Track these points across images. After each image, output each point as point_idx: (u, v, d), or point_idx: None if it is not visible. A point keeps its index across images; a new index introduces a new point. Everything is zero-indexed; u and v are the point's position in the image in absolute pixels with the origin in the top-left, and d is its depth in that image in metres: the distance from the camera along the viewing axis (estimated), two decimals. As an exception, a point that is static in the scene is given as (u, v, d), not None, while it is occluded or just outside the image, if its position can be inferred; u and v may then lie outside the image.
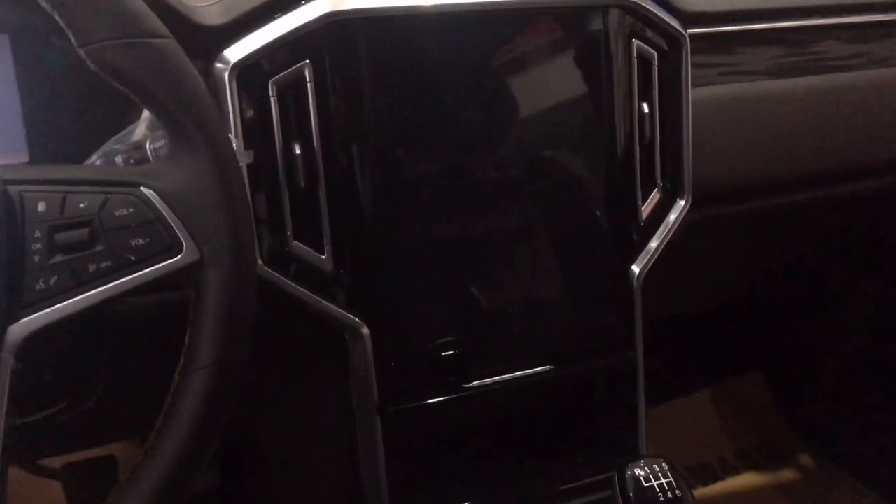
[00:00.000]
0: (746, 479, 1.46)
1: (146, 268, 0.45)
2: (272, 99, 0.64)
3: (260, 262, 0.65)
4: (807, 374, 1.56)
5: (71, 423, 0.75)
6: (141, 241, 0.44)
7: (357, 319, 0.68)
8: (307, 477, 0.91)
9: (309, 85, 0.65)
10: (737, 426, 1.55)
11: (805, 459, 1.49)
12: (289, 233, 0.66)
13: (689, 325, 1.45)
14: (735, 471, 1.47)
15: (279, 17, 0.65)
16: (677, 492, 0.60)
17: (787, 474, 1.47)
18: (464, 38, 0.69)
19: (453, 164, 0.71)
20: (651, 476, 0.61)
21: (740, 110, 0.85)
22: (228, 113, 0.63)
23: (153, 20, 0.47)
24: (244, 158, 0.60)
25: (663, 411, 1.52)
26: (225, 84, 0.63)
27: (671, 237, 0.82)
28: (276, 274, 0.66)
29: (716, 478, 1.45)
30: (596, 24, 0.73)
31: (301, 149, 0.65)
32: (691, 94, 0.80)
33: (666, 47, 0.78)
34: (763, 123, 0.87)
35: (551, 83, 0.74)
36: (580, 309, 0.79)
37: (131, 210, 0.45)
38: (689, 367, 1.59)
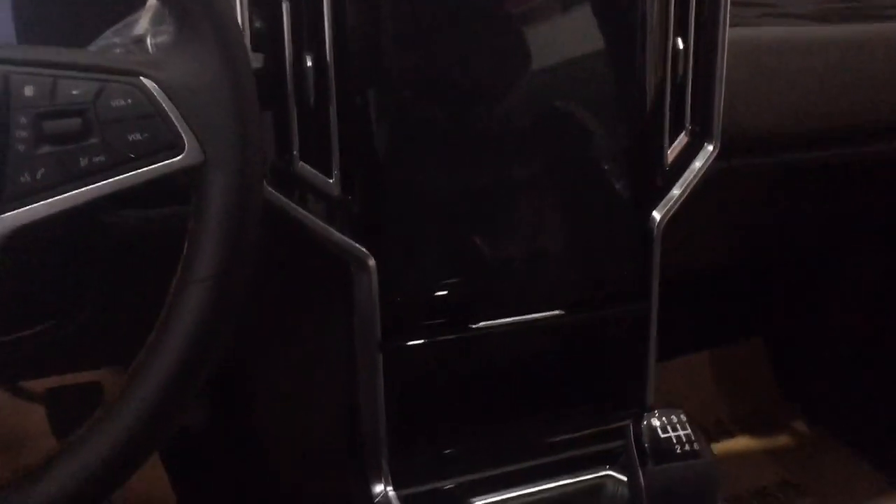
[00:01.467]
0: (740, 443, 1.45)
1: (144, 166, 0.40)
2: (285, 4, 0.60)
3: (266, 181, 0.61)
4: (805, 343, 1.54)
5: (57, 343, 0.71)
6: (139, 136, 0.40)
7: (363, 249, 0.64)
8: (302, 411, 0.88)
9: None
10: (734, 390, 1.53)
11: (800, 427, 1.48)
12: (295, 152, 0.62)
13: (693, 285, 1.42)
14: (729, 434, 1.46)
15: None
16: (695, 444, 0.56)
17: (781, 440, 1.46)
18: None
19: (471, 103, 0.66)
20: (669, 427, 0.58)
21: (777, 55, 0.81)
22: (238, 15, 0.58)
23: None
24: (254, 62, 0.55)
25: (662, 371, 1.50)
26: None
27: (695, 185, 0.78)
28: (281, 196, 0.62)
29: (710, 440, 1.44)
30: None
31: (313, 62, 0.60)
32: (728, 34, 0.76)
33: None
34: (801, 71, 0.82)
35: (583, 17, 0.69)
36: (596, 255, 0.75)
37: (130, 101, 0.40)
38: (691, 327, 1.56)
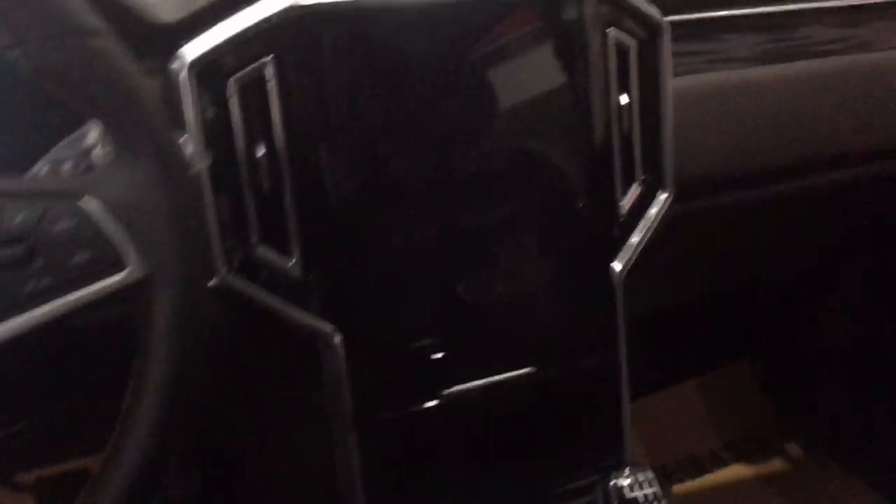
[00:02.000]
0: (735, 471, 1.44)
1: (89, 286, 0.41)
2: (233, 98, 0.61)
3: (225, 269, 0.62)
4: (794, 362, 1.55)
5: (40, 436, 0.72)
6: (84, 255, 0.41)
7: (329, 326, 0.66)
8: (286, 488, 0.88)
9: (272, 82, 0.62)
10: (725, 417, 1.53)
11: (793, 449, 1.48)
12: (254, 238, 0.63)
13: (676, 315, 1.43)
14: (723, 462, 1.46)
15: (239, 11, 0.62)
16: (663, 502, 0.57)
17: (776, 465, 1.46)
18: (435, 31, 0.66)
19: (426, 162, 0.68)
20: (636, 485, 0.59)
21: (723, 99, 0.83)
22: (187, 114, 0.60)
23: (90, 16, 0.44)
24: (200, 162, 0.57)
25: (651, 403, 1.51)
26: (182, 83, 0.59)
27: (653, 232, 0.79)
28: (243, 281, 0.63)
29: (704, 470, 1.44)
30: (570, 13, 0.70)
31: (265, 149, 0.62)
32: (672, 84, 0.78)
33: (644, 35, 0.75)
34: (747, 112, 0.84)
35: (525, 76, 0.71)
36: (561, 308, 0.76)
37: (73, 223, 0.41)
38: (677, 357, 1.57)
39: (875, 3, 0.91)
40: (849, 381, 1.46)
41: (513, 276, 0.74)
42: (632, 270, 0.77)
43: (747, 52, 0.83)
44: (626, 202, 0.77)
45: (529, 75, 0.71)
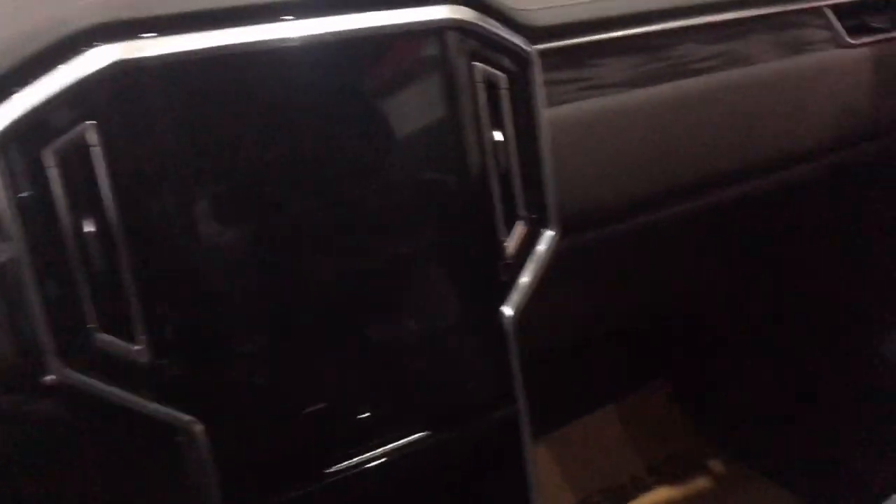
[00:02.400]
0: (659, 495, 1.42)
1: None
2: (52, 170, 0.54)
3: (60, 363, 0.55)
4: (708, 379, 1.54)
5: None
6: None
7: (187, 416, 0.58)
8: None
9: (96, 149, 0.55)
10: (645, 440, 1.51)
11: (716, 465, 1.47)
12: (91, 324, 0.56)
13: (588, 342, 1.40)
14: (647, 487, 1.43)
15: (51, 72, 0.54)
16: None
17: (699, 483, 1.44)
18: (283, 75, 0.60)
19: (281, 216, 0.61)
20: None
21: (603, 126, 0.80)
22: (-3, 193, 0.52)
23: None
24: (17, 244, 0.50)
25: (570, 433, 1.47)
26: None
27: (544, 270, 0.75)
28: (82, 375, 0.56)
29: (628, 497, 1.40)
30: (430, 49, 0.66)
31: (94, 224, 0.55)
32: (548, 115, 0.74)
33: (513, 67, 0.71)
34: (629, 136, 0.81)
35: (388, 119, 0.65)
36: (451, 363, 0.71)
37: None
38: (594, 382, 1.54)
39: (748, 17, 0.90)
40: (762, 393, 1.45)
41: (397, 333, 0.68)
42: (541, 299, 0.73)
43: (622, 76, 0.80)
44: (512, 242, 0.73)
45: (393, 119, 0.65)
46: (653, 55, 0.83)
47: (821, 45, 0.95)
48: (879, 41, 0.99)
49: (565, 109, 0.77)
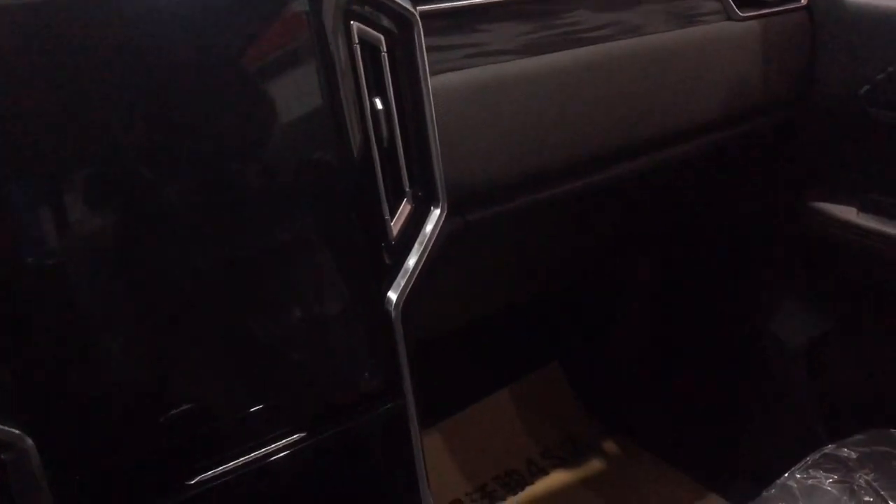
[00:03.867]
0: (555, 479, 1.40)
1: None
2: None
3: None
4: (598, 361, 1.53)
5: None
6: None
7: (14, 430, 0.50)
8: None
9: None
10: (539, 424, 1.49)
11: (610, 446, 1.46)
12: None
13: (478, 327, 1.36)
14: (544, 472, 1.41)
15: None
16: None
17: (595, 465, 1.43)
18: (132, 38, 0.51)
19: (133, 199, 0.53)
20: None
21: (491, 96, 0.74)
22: None
23: None
24: None
25: (464, 420, 1.43)
26: None
27: (432, 251, 0.69)
28: None
29: (525, 483, 1.38)
30: (300, 5, 0.58)
31: None
32: (432, 83, 0.68)
33: (394, 29, 0.65)
34: (519, 108, 0.76)
35: (258, 87, 0.57)
36: (333, 355, 0.64)
37: None
38: (485, 368, 1.51)
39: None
40: (652, 373, 1.46)
41: (270, 323, 0.61)
42: (426, 287, 0.67)
43: (512, 44, 0.75)
44: (396, 222, 0.67)
45: (265, 84, 0.58)
46: (543, 22, 0.78)
47: (711, 17, 0.93)
48: (768, 14, 0.98)
49: (451, 77, 0.71)
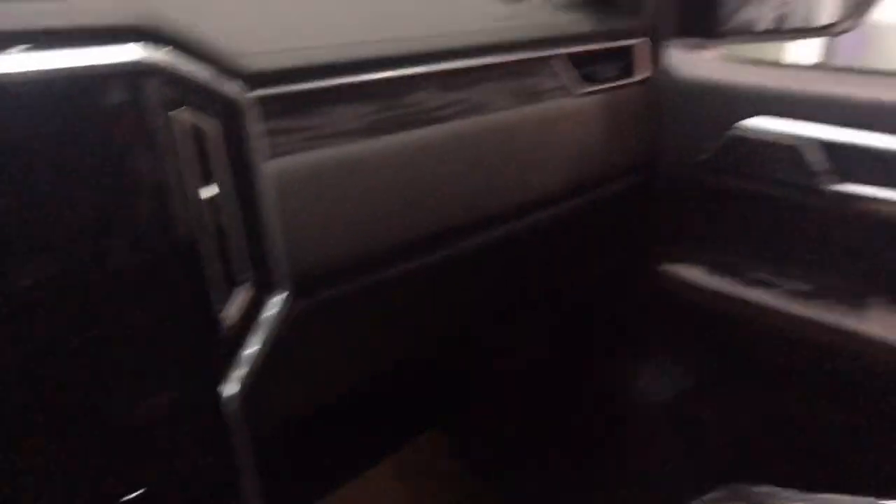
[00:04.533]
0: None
1: None
2: None
3: None
4: (476, 424, 1.53)
5: None
6: None
7: None
8: None
9: None
10: (424, 492, 1.46)
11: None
12: None
13: (351, 400, 1.33)
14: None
15: None
16: None
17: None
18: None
19: None
20: None
21: (335, 178, 0.74)
22: None
23: None
24: None
25: (346, 496, 1.39)
26: None
27: (274, 337, 0.68)
28: None
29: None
30: (123, 95, 0.57)
31: None
32: (273, 166, 0.68)
33: (226, 115, 0.64)
34: (364, 188, 0.76)
35: (81, 177, 0.55)
36: (163, 454, 0.61)
37: None
38: (366, 441, 1.48)
39: (483, 65, 0.89)
40: (527, 437, 1.46)
41: (90, 423, 0.57)
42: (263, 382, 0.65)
43: (353, 125, 0.76)
44: (233, 311, 0.65)
45: (89, 174, 0.55)
46: (385, 103, 0.79)
47: (554, 93, 0.96)
48: (609, 89, 1.03)
49: (292, 160, 0.71)
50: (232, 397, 0.63)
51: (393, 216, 0.79)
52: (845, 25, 1.14)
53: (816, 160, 0.98)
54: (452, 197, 0.85)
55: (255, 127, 0.65)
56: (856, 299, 1.02)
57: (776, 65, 1.12)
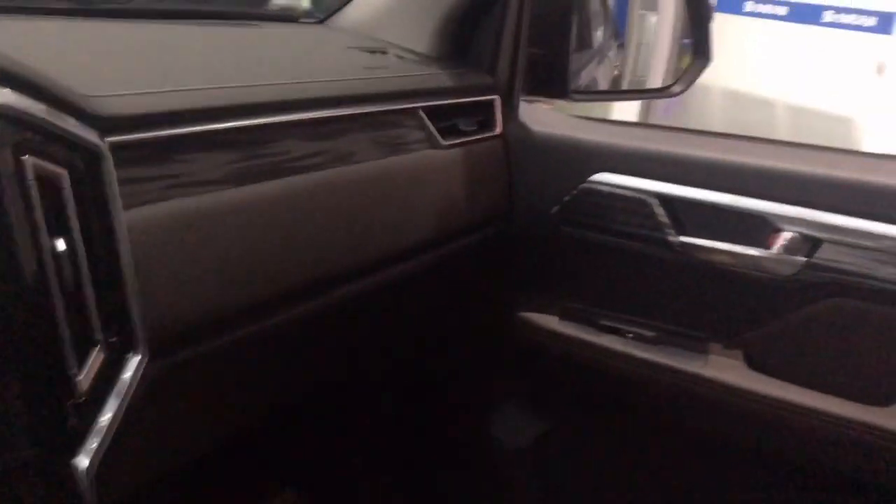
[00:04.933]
0: None
1: None
2: None
3: None
4: (333, 484, 1.49)
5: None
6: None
7: None
8: None
9: None
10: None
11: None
12: None
13: (206, 462, 1.25)
14: None
15: None
16: None
17: None
18: None
19: None
20: None
21: (197, 228, 0.70)
22: None
23: None
24: None
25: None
26: None
27: (132, 402, 0.62)
28: None
29: None
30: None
31: None
32: (129, 217, 0.63)
33: (79, 162, 0.59)
34: (229, 239, 0.73)
35: None
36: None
37: None
38: (222, 500, 1.39)
39: (346, 115, 0.89)
40: (387, 490, 1.44)
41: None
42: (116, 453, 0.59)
43: (216, 173, 0.72)
44: (86, 375, 0.59)
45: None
46: (249, 151, 0.76)
47: (417, 145, 0.97)
48: (468, 142, 1.05)
49: (151, 210, 0.66)
50: (87, 469, 0.57)
51: (261, 266, 0.76)
52: (677, 88, 1.24)
53: (660, 213, 1.05)
54: (319, 248, 0.83)
55: (111, 174, 0.61)
56: (698, 343, 1.09)
57: (620, 123, 1.19)
